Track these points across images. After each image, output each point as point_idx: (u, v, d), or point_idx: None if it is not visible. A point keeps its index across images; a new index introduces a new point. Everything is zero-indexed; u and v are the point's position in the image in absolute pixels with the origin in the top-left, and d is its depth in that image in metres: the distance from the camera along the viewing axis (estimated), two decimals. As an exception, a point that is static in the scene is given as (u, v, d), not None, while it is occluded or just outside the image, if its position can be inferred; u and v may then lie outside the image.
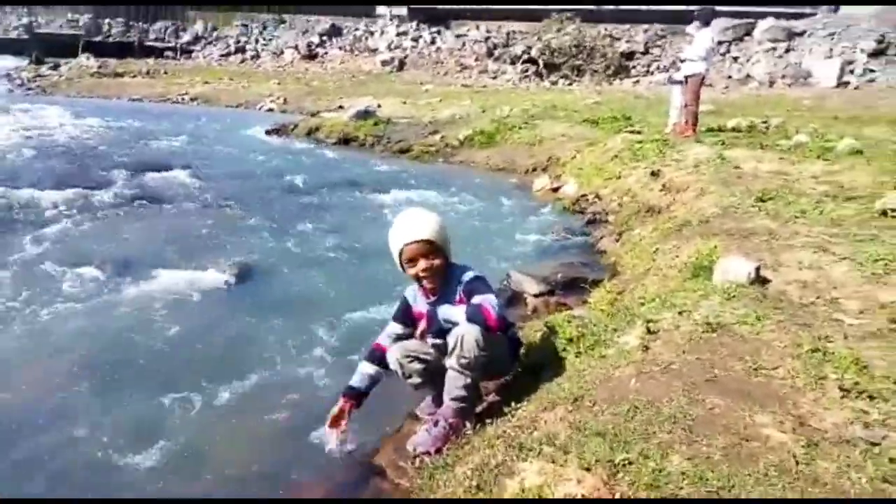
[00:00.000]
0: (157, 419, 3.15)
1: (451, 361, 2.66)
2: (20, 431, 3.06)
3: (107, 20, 47.33)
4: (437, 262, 2.70)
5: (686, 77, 10.37)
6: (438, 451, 2.69)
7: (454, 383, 2.72)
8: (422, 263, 2.70)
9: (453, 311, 2.65)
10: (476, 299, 2.58)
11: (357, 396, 2.93)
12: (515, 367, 3.15)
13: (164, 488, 2.66)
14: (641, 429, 2.19)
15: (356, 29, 43.74)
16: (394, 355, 2.93)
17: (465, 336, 2.56)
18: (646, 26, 33.98)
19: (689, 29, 11.15)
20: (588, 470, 1.96)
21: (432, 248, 2.68)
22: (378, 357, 2.98)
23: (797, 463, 1.98)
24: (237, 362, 3.75)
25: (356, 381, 2.96)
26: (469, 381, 2.69)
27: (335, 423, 2.86)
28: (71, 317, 4.34)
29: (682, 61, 10.81)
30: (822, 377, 2.53)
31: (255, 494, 2.66)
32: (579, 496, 1.80)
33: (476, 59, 36.60)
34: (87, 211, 7.10)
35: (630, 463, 1.99)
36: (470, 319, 2.56)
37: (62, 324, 4.23)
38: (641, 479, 1.91)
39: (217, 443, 2.99)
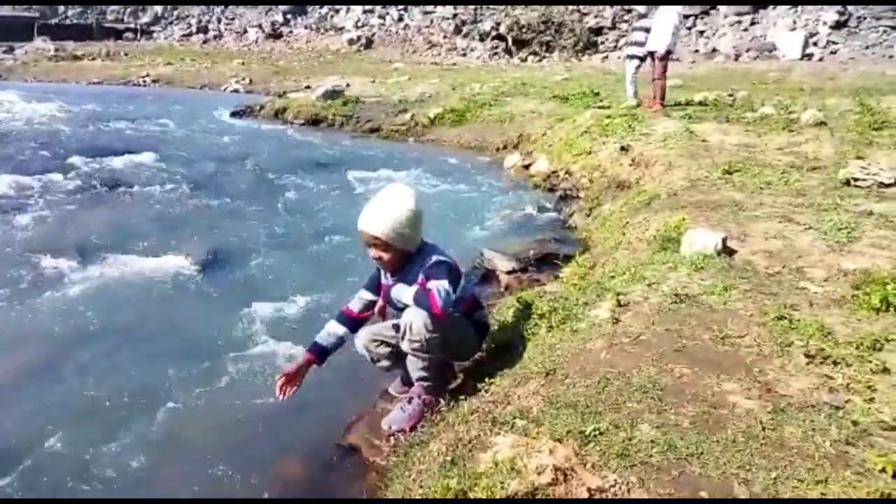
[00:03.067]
0: (125, 407, 3.10)
1: (404, 345, 2.69)
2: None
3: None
4: (385, 255, 2.71)
5: (652, 52, 10.38)
6: (413, 428, 2.71)
7: (414, 366, 2.76)
8: (372, 251, 2.73)
9: (404, 293, 2.66)
10: (429, 284, 2.58)
11: (321, 353, 2.90)
12: (480, 349, 3.12)
13: (136, 477, 2.63)
14: (612, 400, 2.22)
15: (321, 7, 42.89)
16: (361, 340, 2.97)
17: (413, 321, 2.58)
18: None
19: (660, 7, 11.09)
20: (560, 441, 1.98)
21: (381, 243, 2.67)
22: (345, 320, 2.96)
23: (764, 428, 2.03)
24: (204, 346, 3.70)
25: (322, 338, 2.92)
26: (426, 362, 2.71)
27: (291, 380, 2.77)
28: (31, 305, 4.23)
29: (640, 40, 10.80)
30: (788, 344, 2.59)
31: (227, 476, 2.63)
32: (551, 467, 1.81)
33: (444, 37, 36.22)
34: (48, 197, 6.90)
35: (601, 433, 2.02)
36: (416, 303, 2.59)
37: (21, 313, 4.12)
38: (612, 449, 1.93)
39: (186, 426, 2.95)
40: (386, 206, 2.65)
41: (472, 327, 2.94)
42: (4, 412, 3.10)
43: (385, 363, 2.98)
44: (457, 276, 2.76)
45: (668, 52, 10.31)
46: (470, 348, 3.04)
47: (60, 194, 7.08)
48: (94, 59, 31.18)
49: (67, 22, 44.71)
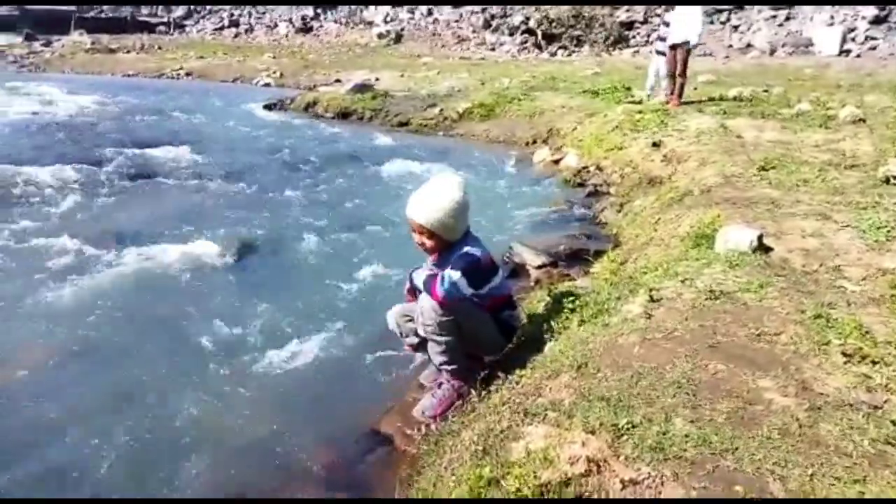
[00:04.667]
0: (156, 395, 3.16)
1: (420, 330, 2.79)
2: (13, 410, 3.06)
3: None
4: (428, 242, 2.79)
5: (672, 46, 10.21)
6: (444, 412, 2.75)
7: (433, 351, 2.83)
8: (416, 237, 2.82)
9: (419, 279, 2.78)
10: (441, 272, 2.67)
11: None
12: (505, 346, 3.08)
13: (162, 465, 2.68)
14: (645, 394, 2.21)
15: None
16: (392, 316, 3.07)
17: (423, 305, 2.68)
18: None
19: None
20: (592, 433, 1.99)
21: (425, 230, 2.75)
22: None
23: (800, 426, 2.01)
24: (237, 335, 3.77)
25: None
26: (443, 346, 2.76)
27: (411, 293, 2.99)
28: (67, 292, 4.32)
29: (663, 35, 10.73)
30: (825, 343, 2.55)
31: (260, 463, 2.69)
32: (584, 458, 1.82)
33: (474, 31, 36.13)
34: (86, 187, 7.07)
35: (634, 426, 2.01)
36: (424, 288, 2.70)
37: (58, 300, 4.22)
38: (645, 442, 1.93)
39: (220, 414, 3.01)
40: (432, 196, 2.73)
41: (493, 322, 2.92)
42: (30, 399, 3.16)
43: (413, 339, 3.04)
44: (483, 271, 2.79)
45: (689, 47, 10.07)
46: (491, 341, 2.99)
47: (97, 184, 7.24)
48: (128, 52, 31.77)
49: (103, 16, 45.51)
